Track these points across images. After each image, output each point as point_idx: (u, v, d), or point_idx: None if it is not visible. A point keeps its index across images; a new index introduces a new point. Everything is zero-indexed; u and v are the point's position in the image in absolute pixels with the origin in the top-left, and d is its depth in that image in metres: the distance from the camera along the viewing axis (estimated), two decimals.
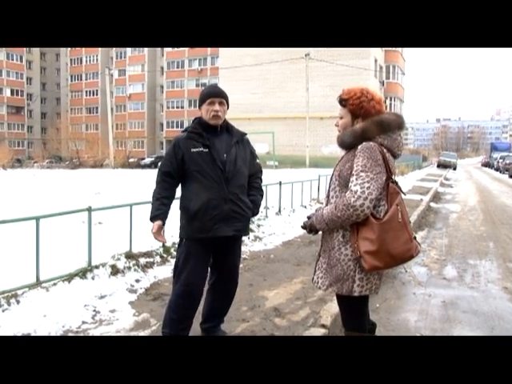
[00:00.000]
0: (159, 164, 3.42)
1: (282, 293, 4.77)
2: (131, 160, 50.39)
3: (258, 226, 8.04)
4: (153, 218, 3.18)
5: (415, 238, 2.55)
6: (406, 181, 21.19)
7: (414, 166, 34.13)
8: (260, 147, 42.45)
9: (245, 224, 3.37)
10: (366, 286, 2.50)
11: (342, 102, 2.62)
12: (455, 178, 29.02)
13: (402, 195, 2.57)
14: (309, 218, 2.68)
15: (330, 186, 2.66)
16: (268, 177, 14.73)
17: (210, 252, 3.32)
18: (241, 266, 5.76)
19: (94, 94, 72.44)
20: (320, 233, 2.67)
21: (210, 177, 3.17)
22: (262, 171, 3.60)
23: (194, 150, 3.19)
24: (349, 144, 2.54)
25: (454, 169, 43.72)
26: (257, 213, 3.50)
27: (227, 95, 3.36)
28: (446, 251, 7.36)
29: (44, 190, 15.09)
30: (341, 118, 2.65)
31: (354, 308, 2.64)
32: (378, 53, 43.73)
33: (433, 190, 17.15)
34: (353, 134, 2.52)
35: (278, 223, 8.51)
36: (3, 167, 40.31)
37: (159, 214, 3.18)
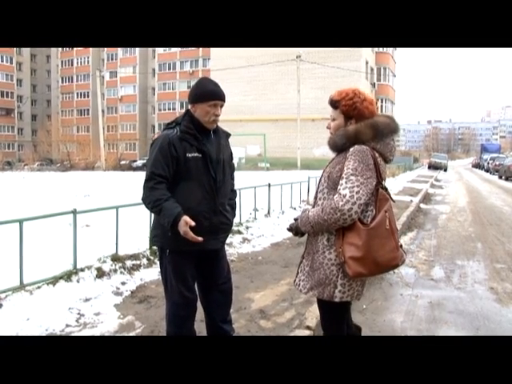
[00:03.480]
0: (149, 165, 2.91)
1: (268, 295, 4.76)
2: (123, 162, 50.24)
3: (247, 227, 8.03)
4: (177, 217, 2.69)
5: (401, 246, 2.52)
6: (397, 182, 21.25)
7: (405, 168, 34.27)
8: (251, 149, 42.55)
9: (229, 232, 3.24)
10: (347, 292, 2.46)
11: (334, 103, 2.56)
12: (446, 179, 29.15)
13: (391, 202, 2.53)
14: (295, 219, 2.63)
15: (318, 188, 2.62)
16: (259, 179, 14.79)
17: (196, 260, 3.06)
18: None
19: (85, 96, 72.16)
20: (306, 235, 2.64)
21: (202, 187, 2.89)
22: (234, 171, 3.34)
23: (190, 155, 2.85)
24: (341, 146, 2.49)
25: (445, 170, 43.92)
26: (235, 216, 3.28)
27: None
28: (435, 252, 7.38)
29: (33, 193, 14.98)
30: (333, 119, 2.59)
31: (333, 313, 2.60)
32: (368, 55, 43.90)
33: (423, 191, 17.20)
34: (345, 136, 2.46)
35: (267, 225, 8.50)
36: None
37: (180, 210, 2.72)
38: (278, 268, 5.87)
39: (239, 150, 40.77)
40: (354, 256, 2.35)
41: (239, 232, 7.60)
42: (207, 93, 2.91)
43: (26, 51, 74.88)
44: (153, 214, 3.12)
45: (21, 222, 4.39)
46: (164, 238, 2.94)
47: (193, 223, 2.68)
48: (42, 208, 8.55)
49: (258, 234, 7.82)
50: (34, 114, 77.60)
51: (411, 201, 13.31)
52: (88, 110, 71.60)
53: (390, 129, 2.52)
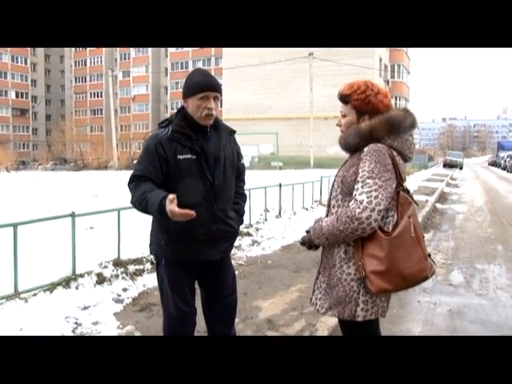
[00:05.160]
0: (134, 167, 2.71)
1: (277, 302, 4.49)
2: (135, 162, 50.28)
3: (257, 229, 7.76)
4: (162, 200, 2.40)
5: (429, 255, 2.21)
6: (412, 181, 20.87)
7: (420, 166, 33.83)
8: (264, 148, 42.29)
9: (233, 241, 2.89)
10: (371, 310, 2.16)
11: (344, 97, 2.28)
12: (461, 178, 28.66)
13: (415, 205, 2.23)
14: (307, 231, 2.34)
15: (331, 194, 2.33)
16: (271, 178, 14.53)
17: (196, 271, 2.79)
18: (236, 272, 5.52)
19: (98, 96, 72.52)
20: (320, 248, 2.34)
21: (196, 191, 2.59)
22: (245, 172, 3.02)
23: (181, 156, 2.57)
24: (354, 146, 2.21)
25: (461, 168, 43.40)
26: (242, 223, 2.95)
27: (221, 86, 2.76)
28: (453, 255, 7.06)
29: (41, 193, 14.85)
30: (343, 116, 2.31)
31: (357, 334, 2.29)
32: (382, 52, 43.40)
33: (439, 190, 16.83)
34: (359, 134, 2.18)
35: (277, 227, 8.22)
36: (6, 169, 40.28)
37: (166, 193, 2.43)
38: (288, 273, 5.59)
39: (252, 148, 40.63)
40: (376, 270, 2.06)
41: (249, 234, 7.34)
42: (196, 84, 2.62)
43: (40, 52, 75.47)
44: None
45: (15, 225, 4.18)
46: (159, 247, 2.70)
47: (173, 196, 2.37)
48: (47, 209, 8.36)
49: (268, 236, 7.55)
50: (49, 113, 78.17)
51: (427, 200, 12.94)
52: (101, 109, 71.89)
53: (407, 123, 2.22)
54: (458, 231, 9.19)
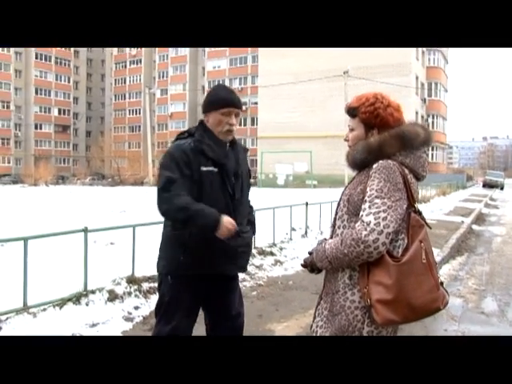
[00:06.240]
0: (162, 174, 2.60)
1: (292, 326, 4.28)
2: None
3: (281, 249, 7.57)
4: (217, 216, 2.42)
5: (442, 284, 1.99)
6: (448, 201, 20.30)
7: (458, 186, 32.98)
8: (299, 166, 42.17)
9: (248, 258, 2.83)
10: None
11: (352, 111, 2.11)
12: (502, 199, 27.73)
13: (427, 228, 2.01)
14: (310, 253, 2.14)
15: (336, 214, 2.13)
16: (305, 196, 14.35)
17: (203, 292, 2.67)
18: (254, 293, 5.38)
19: (136, 113, 74.19)
20: (323, 271, 2.14)
21: (218, 204, 2.52)
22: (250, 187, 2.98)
23: (205, 168, 2.55)
24: (361, 162, 2.03)
25: (501, 189, 42.21)
26: (255, 233, 2.93)
27: None
28: (487, 280, 6.68)
29: (70, 208, 15.05)
30: (351, 130, 2.14)
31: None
32: (419, 69, 42.85)
33: (476, 211, 16.26)
34: (367, 149, 2.01)
35: (302, 246, 7.98)
36: (46, 184, 41.40)
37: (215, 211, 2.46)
38: (307, 295, 5.37)
39: (287, 167, 40.57)
40: (382, 299, 1.85)
41: (272, 253, 7.15)
42: (219, 99, 2.65)
43: (83, 71, 78.13)
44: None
45: (25, 240, 4.14)
46: (168, 262, 2.64)
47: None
48: (70, 223, 8.38)
49: (291, 256, 7.34)
50: (89, 130, 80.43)
51: (462, 222, 12.47)
52: (139, 126, 73.40)
53: (421, 139, 2.02)
54: (494, 255, 8.75)
